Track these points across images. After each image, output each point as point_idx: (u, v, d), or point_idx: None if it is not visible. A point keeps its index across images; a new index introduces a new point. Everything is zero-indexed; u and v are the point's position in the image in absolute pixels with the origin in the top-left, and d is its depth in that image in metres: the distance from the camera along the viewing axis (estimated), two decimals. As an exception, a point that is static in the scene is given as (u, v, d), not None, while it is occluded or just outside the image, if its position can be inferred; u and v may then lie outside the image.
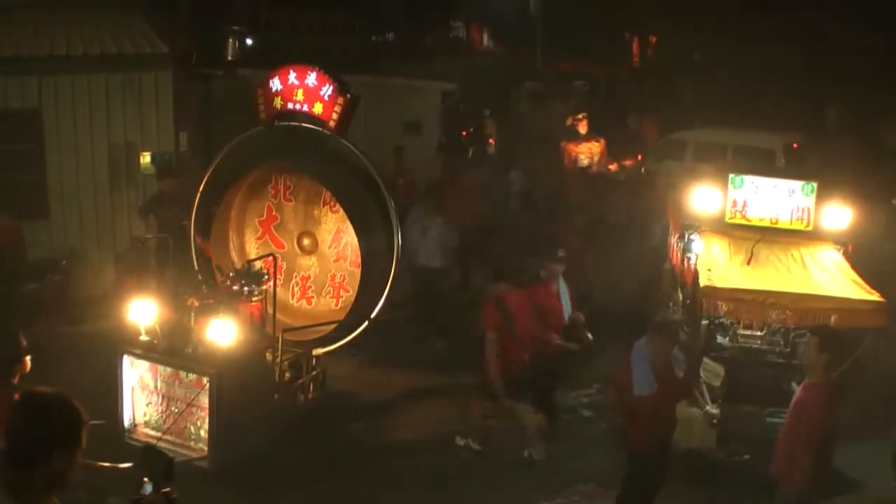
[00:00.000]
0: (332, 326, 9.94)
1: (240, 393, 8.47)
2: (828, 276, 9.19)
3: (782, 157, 18.00)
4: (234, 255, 10.56)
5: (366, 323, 9.87)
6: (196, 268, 10.60)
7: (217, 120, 16.84)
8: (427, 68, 26.13)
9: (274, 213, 10.52)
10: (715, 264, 9.32)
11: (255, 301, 9.27)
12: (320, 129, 9.80)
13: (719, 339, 9.66)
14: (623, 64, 36.82)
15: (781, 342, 9.35)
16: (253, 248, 10.63)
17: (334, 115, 9.69)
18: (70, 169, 13.21)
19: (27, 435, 3.21)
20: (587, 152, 19.85)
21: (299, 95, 9.82)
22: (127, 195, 13.52)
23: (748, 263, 9.39)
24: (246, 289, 9.16)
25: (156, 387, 8.73)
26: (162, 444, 8.35)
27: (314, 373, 10.08)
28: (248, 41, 28.09)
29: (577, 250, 11.17)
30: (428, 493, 8.64)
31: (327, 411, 10.02)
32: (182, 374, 8.56)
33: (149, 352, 8.70)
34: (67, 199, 13.05)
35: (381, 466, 9.11)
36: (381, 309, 9.86)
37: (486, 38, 44.82)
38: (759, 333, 9.12)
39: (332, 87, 9.71)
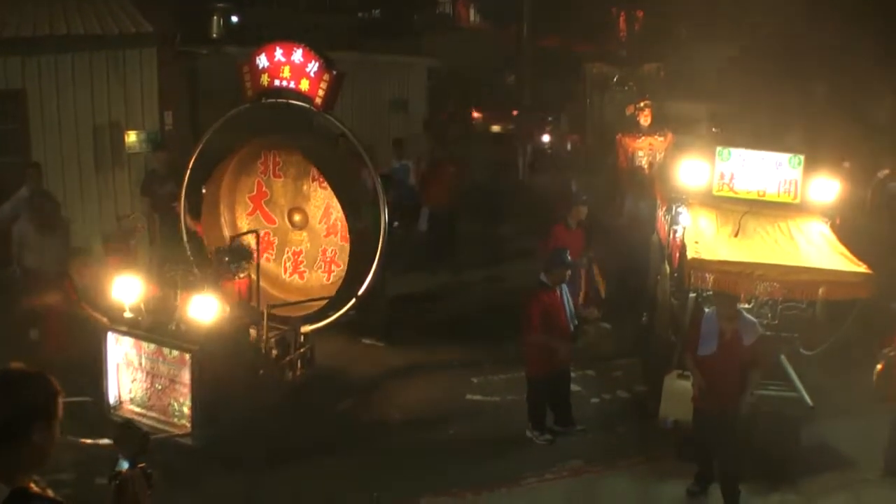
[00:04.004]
0: (322, 303, 9.95)
1: (223, 369, 8.50)
2: (815, 248, 9.19)
3: (707, 122, 18.85)
4: (226, 232, 10.54)
5: (353, 300, 9.85)
6: (185, 245, 10.59)
7: (203, 98, 16.78)
8: (413, 45, 26.05)
9: (264, 188, 10.50)
10: (702, 237, 9.31)
11: (242, 277, 9.26)
12: (307, 105, 9.77)
13: (707, 311, 9.62)
14: (610, 40, 36.69)
15: (769, 314, 9.31)
16: (244, 224, 10.62)
17: (320, 92, 9.67)
18: (54, 149, 13.14)
19: (2, 412, 3.20)
20: (648, 148, 16.58)
21: (286, 72, 9.78)
22: (112, 175, 13.47)
23: (735, 235, 9.40)
24: (232, 265, 9.16)
25: (140, 363, 8.78)
26: (146, 421, 8.40)
27: (302, 350, 10.09)
28: (233, 18, 27.88)
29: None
30: (416, 472, 8.66)
31: (317, 388, 10.04)
32: (165, 350, 8.61)
33: (133, 329, 8.72)
34: (52, 179, 12.96)
35: (369, 444, 9.13)
36: (368, 286, 9.83)
37: (472, 14, 44.66)
38: (747, 306, 9.06)
39: (317, 64, 9.68)
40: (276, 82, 9.85)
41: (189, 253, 10.50)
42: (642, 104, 16.61)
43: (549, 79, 28.63)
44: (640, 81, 21.32)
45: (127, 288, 8.71)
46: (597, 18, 35.94)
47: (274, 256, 10.49)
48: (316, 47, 9.89)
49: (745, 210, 9.61)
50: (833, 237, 9.40)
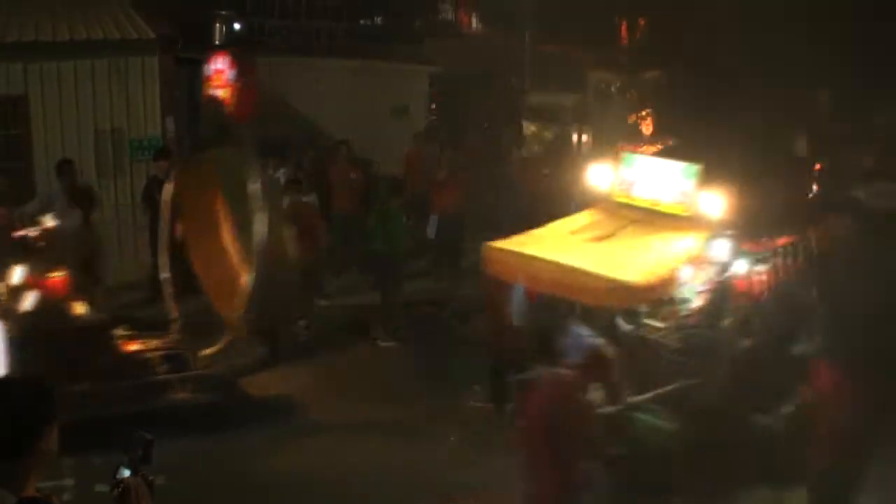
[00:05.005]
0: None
1: None
2: (650, 259, 8.38)
3: (569, 112, 21.97)
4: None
5: (242, 327, 9.36)
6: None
7: (204, 104, 16.82)
8: (415, 52, 26.06)
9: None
10: (550, 233, 9.07)
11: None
12: (225, 114, 9.32)
13: (623, 324, 9.06)
14: (612, 48, 36.70)
15: (676, 337, 8.69)
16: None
17: (233, 100, 9.22)
18: (56, 155, 13.12)
19: (9, 425, 3.21)
20: None
21: (218, 80, 9.40)
22: (114, 180, 13.50)
23: (600, 240, 8.77)
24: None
25: None
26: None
27: (202, 371, 9.46)
28: (235, 25, 27.94)
29: None
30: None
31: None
32: None
33: None
34: (54, 184, 12.99)
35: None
36: (257, 312, 9.20)
37: (474, 21, 44.69)
38: (661, 325, 8.61)
39: (233, 72, 9.20)
40: (211, 91, 9.44)
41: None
42: (644, 113, 16.09)
43: (551, 85, 28.64)
44: (641, 89, 21.04)
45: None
46: (599, 25, 35.99)
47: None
48: (242, 53, 9.38)
49: (636, 218, 9.00)
50: (685, 252, 8.48)
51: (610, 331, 8.86)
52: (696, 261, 8.52)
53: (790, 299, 8.74)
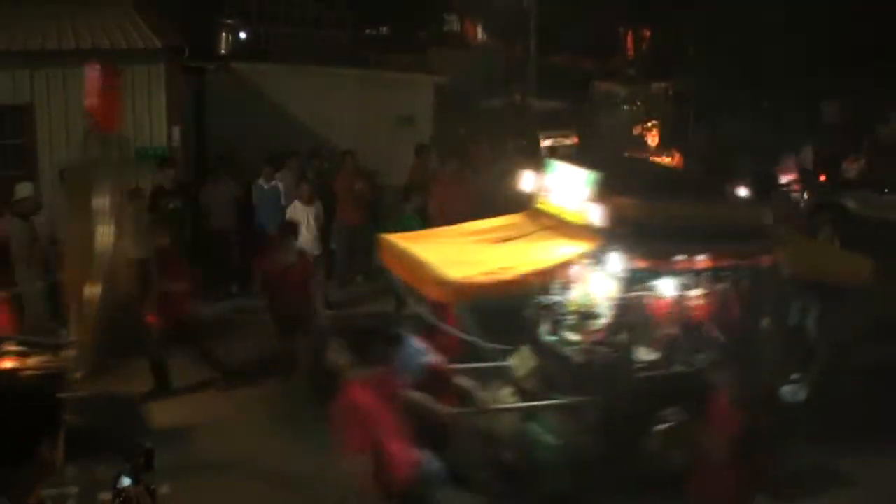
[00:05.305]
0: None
1: None
2: (512, 261, 8.10)
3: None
4: None
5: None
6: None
7: (210, 114, 16.85)
8: (420, 61, 26.12)
9: None
10: (451, 232, 9.14)
11: None
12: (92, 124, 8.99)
13: (546, 335, 8.87)
14: (617, 58, 36.81)
15: (582, 351, 8.44)
16: None
17: (99, 111, 8.86)
18: (62, 164, 13.17)
19: (10, 435, 3.19)
20: None
21: (92, 90, 9.20)
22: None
23: (497, 242, 8.61)
24: None
25: None
26: None
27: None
28: (241, 34, 28.07)
29: None
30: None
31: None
32: None
33: None
34: (59, 193, 13.00)
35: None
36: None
37: (479, 31, 44.82)
38: (577, 338, 8.42)
39: (100, 81, 8.79)
40: (88, 101, 9.21)
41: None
42: (650, 124, 15.83)
43: (556, 96, 28.70)
44: (647, 101, 20.82)
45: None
46: (604, 37, 36.07)
47: None
48: (108, 64, 9.14)
49: (548, 224, 8.72)
50: (558, 259, 8.10)
51: (533, 339, 8.82)
52: (579, 273, 8.30)
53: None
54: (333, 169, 15.05)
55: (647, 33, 38.50)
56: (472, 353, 8.99)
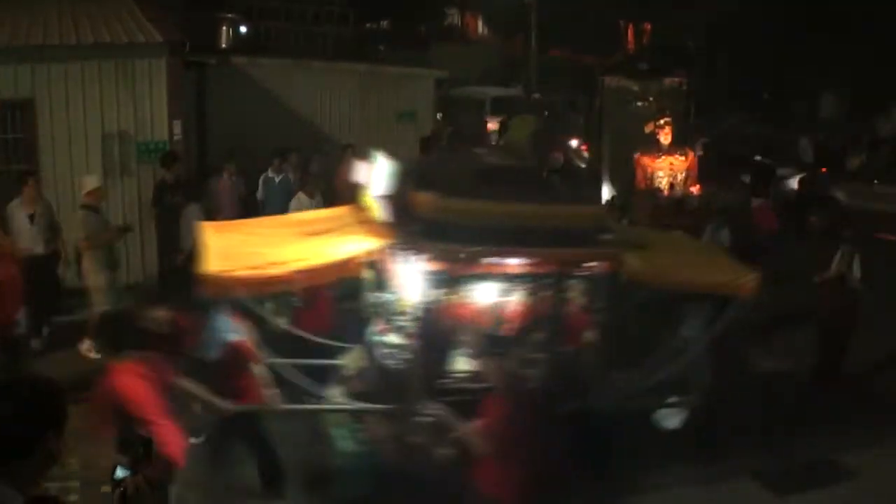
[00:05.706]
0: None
1: None
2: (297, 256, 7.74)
3: (489, 105, 26.68)
4: None
5: None
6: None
7: (211, 108, 16.85)
8: (421, 56, 26.10)
9: None
10: (270, 222, 9.18)
11: None
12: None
13: (373, 336, 8.40)
14: (618, 52, 36.75)
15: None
16: None
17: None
18: (63, 158, 13.18)
19: (16, 427, 3.21)
20: (668, 168, 15.14)
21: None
22: (121, 184, 13.50)
23: (309, 235, 8.21)
24: None
25: None
26: None
27: None
28: (242, 29, 28.03)
29: None
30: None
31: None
32: None
33: None
34: (61, 188, 13.01)
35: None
36: None
37: (480, 25, 44.79)
38: (395, 341, 7.92)
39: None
40: None
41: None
42: (662, 121, 15.39)
43: (557, 90, 28.69)
44: (660, 96, 19.73)
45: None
46: (605, 30, 36.02)
47: None
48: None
49: (363, 218, 8.36)
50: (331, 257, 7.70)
51: (364, 341, 8.40)
52: (390, 271, 7.79)
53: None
54: (335, 163, 15.06)
55: (648, 27, 38.47)
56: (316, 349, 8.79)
